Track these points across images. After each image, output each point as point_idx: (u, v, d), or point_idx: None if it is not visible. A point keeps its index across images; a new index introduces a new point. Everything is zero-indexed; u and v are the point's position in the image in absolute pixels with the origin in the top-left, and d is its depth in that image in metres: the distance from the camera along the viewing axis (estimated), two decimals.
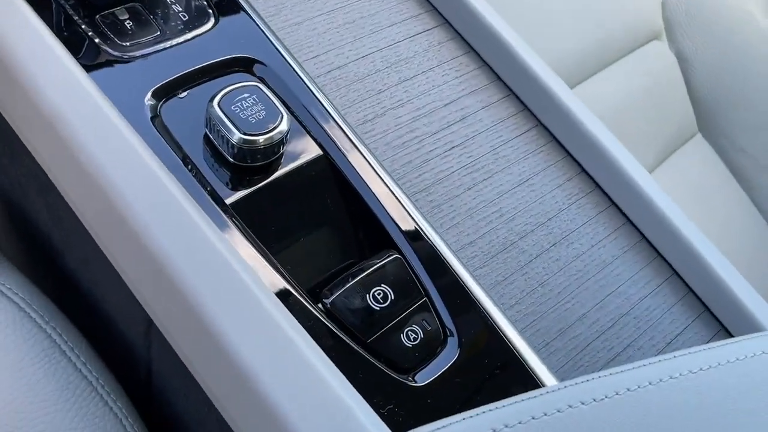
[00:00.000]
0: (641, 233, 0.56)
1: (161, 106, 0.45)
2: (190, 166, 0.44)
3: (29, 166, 0.51)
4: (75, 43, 0.46)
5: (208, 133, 0.44)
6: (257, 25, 0.51)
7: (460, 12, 0.59)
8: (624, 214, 0.56)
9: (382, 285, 0.44)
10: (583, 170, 0.57)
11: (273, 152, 0.44)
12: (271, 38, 0.51)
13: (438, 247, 0.47)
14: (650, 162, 1.07)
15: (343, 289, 0.43)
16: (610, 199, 0.57)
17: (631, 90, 1.10)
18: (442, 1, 0.60)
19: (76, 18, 0.47)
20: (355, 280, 0.43)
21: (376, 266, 0.44)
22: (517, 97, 0.59)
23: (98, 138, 0.42)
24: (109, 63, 0.46)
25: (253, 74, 0.49)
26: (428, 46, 0.58)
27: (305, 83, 0.50)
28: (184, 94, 0.47)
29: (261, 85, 0.45)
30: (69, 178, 0.44)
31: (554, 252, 0.52)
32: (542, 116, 0.58)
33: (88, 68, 0.45)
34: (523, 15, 1.02)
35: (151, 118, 0.44)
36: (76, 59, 0.45)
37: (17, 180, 0.56)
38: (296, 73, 0.50)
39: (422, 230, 0.47)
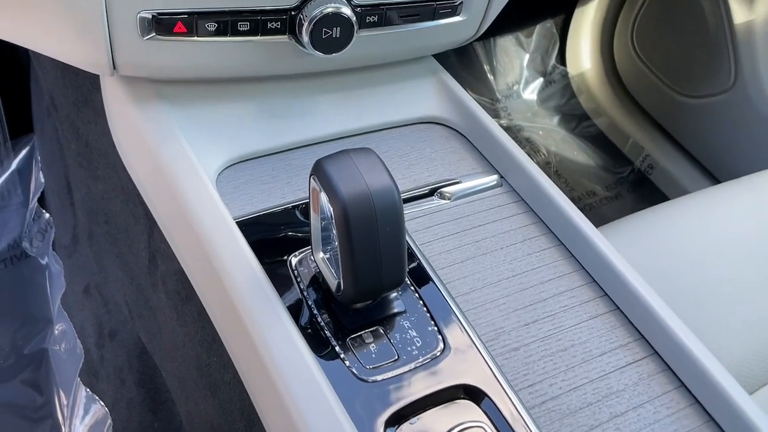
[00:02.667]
0: None
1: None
2: None
3: None
4: (329, 363, 0.53)
5: None
6: (480, 352, 0.57)
7: (669, 345, 0.62)
8: None
9: None
10: None
11: None
12: (492, 368, 0.55)
13: None
14: None
15: None
16: None
17: None
18: (651, 331, 0.63)
19: (332, 341, 0.55)
20: None
21: None
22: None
23: None
24: (355, 384, 0.52)
25: (476, 400, 0.53)
26: (638, 378, 0.60)
27: (521, 415, 0.53)
28: (416, 419, 0.52)
29: (485, 423, 0.49)
30: None
31: None
32: None
33: (336, 387, 0.52)
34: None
35: None
36: (327, 377, 0.52)
37: None
38: (514, 404, 0.54)
39: None
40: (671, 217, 0.95)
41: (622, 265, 0.64)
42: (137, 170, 0.71)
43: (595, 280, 0.65)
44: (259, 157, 0.69)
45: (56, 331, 1.18)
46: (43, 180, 1.30)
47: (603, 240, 0.65)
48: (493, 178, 0.71)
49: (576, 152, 1.69)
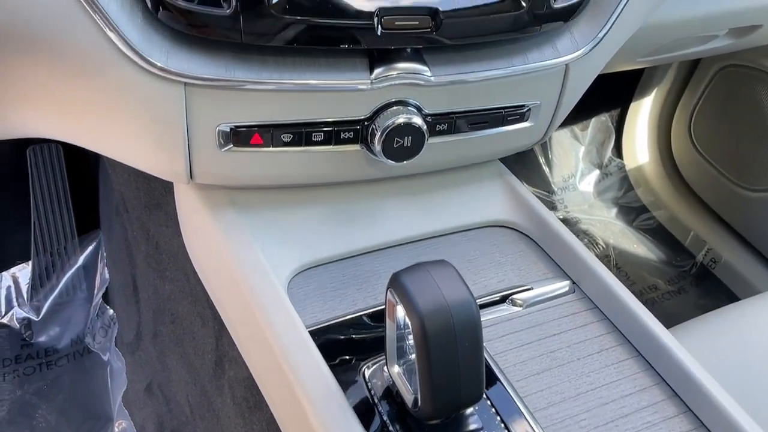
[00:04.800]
0: None
1: None
2: None
3: None
4: None
5: None
6: None
7: None
8: None
9: None
10: None
11: None
12: None
13: None
14: None
15: None
16: None
17: None
18: None
19: None
20: None
21: None
22: None
23: None
24: None
25: None
26: None
27: None
28: None
29: None
30: None
31: None
32: None
33: None
34: None
35: None
36: None
37: None
38: None
39: None
40: (746, 318, 0.91)
41: (706, 379, 0.61)
42: (208, 275, 0.72)
43: (677, 394, 0.62)
44: (329, 262, 0.69)
45: (117, 429, 1.18)
46: (107, 276, 1.33)
47: (684, 352, 0.62)
48: (565, 284, 0.69)
49: (635, 245, 1.66)
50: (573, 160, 1.78)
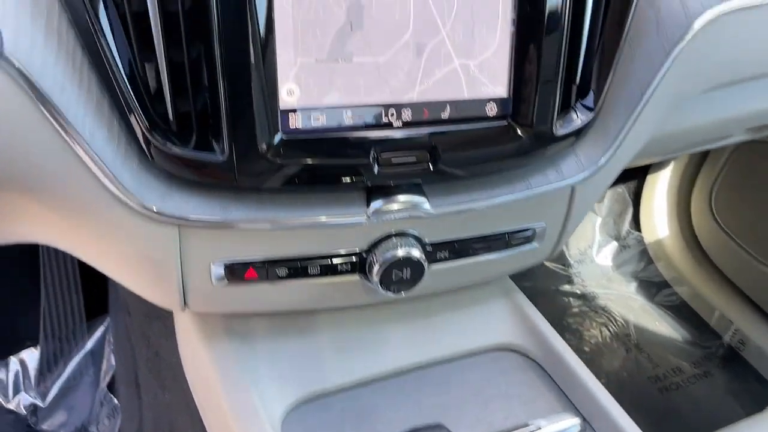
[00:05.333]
0: None
1: None
2: None
3: None
4: None
5: None
6: None
7: None
8: None
9: None
10: None
11: None
12: None
13: None
14: None
15: None
16: None
17: None
18: None
19: None
20: None
21: None
22: None
23: None
24: None
25: None
26: None
27: None
28: None
29: None
30: None
31: None
32: None
33: None
34: None
35: None
36: None
37: None
38: None
39: None
40: None
41: None
42: (203, 401, 0.69)
43: None
44: (328, 395, 0.66)
45: None
46: (114, 363, 1.31)
47: None
48: (575, 422, 0.65)
49: (657, 323, 1.60)
50: (589, 232, 1.75)
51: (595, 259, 1.74)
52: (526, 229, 0.67)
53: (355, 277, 0.64)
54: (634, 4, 0.59)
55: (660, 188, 1.67)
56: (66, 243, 0.65)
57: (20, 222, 0.64)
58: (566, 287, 1.69)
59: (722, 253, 1.56)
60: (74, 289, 1.36)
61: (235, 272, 0.60)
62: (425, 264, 0.62)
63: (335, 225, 0.59)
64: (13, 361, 1.36)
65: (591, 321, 1.60)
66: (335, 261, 0.62)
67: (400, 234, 0.62)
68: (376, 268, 0.61)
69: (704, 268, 1.60)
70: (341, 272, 0.63)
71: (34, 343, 1.36)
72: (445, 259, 0.65)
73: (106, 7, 0.49)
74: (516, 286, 0.76)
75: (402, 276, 0.62)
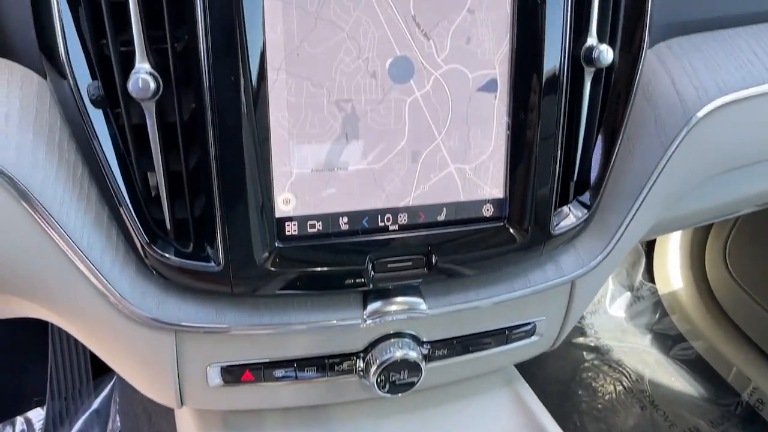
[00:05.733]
0: None
1: None
2: None
3: None
4: None
5: None
6: None
7: None
8: None
9: None
10: None
11: None
12: None
13: None
14: None
15: None
16: None
17: None
18: None
19: None
20: None
21: None
22: None
23: None
24: None
25: None
26: None
27: None
28: None
29: None
30: None
31: None
32: None
33: None
34: None
35: None
36: None
37: None
38: None
39: None
40: None
41: None
42: None
43: None
44: None
45: None
46: (119, 424, 1.30)
47: None
48: None
49: (673, 378, 1.57)
50: None
51: (608, 310, 1.71)
52: (527, 324, 0.66)
53: (353, 378, 0.63)
54: (631, 101, 0.59)
55: (673, 238, 1.65)
56: (69, 329, 0.65)
57: (21, 310, 0.64)
58: (579, 339, 1.66)
59: (737, 306, 1.52)
60: (81, 347, 1.36)
61: (232, 374, 0.59)
62: (422, 365, 0.61)
63: (332, 327, 0.58)
64: (20, 421, 1.35)
65: (605, 376, 1.57)
66: (332, 362, 0.61)
67: (398, 334, 0.61)
68: (373, 369, 0.60)
69: (720, 322, 1.57)
70: (339, 372, 0.62)
71: (40, 401, 1.35)
72: (444, 357, 0.64)
73: (106, 121, 0.49)
74: (518, 373, 0.75)
75: (399, 376, 0.61)
